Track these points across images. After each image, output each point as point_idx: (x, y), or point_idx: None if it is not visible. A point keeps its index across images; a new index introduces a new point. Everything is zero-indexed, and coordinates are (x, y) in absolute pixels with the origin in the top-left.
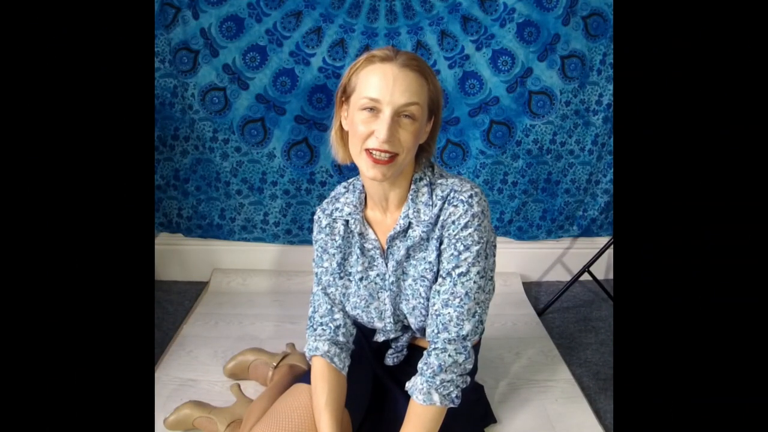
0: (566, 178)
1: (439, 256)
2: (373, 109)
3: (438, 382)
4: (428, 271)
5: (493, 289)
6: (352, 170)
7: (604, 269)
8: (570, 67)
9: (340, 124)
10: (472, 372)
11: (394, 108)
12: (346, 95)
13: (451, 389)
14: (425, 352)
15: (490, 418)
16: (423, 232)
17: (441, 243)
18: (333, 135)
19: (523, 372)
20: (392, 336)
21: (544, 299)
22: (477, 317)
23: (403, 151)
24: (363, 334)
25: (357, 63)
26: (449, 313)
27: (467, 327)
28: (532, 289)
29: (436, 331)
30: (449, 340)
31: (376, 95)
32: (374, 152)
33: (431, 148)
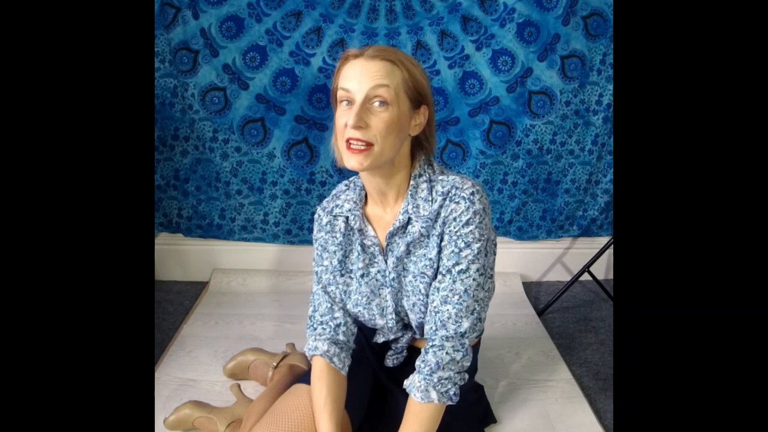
0: (566, 178)
1: (439, 252)
2: (350, 102)
3: (436, 380)
4: (428, 267)
5: (493, 289)
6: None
7: (604, 269)
8: (570, 67)
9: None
10: (472, 372)
11: (363, 94)
12: (335, 99)
13: (449, 387)
14: (423, 350)
15: (490, 418)
16: (422, 227)
17: (442, 239)
18: (334, 140)
19: (523, 372)
20: (392, 336)
21: (544, 299)
22: (475, 315)
23: (378, 140)
24: (363, 334)
25: (337, 68)
26: (448, 310)
27: (465, 324)
28: (532, 289)
29: (434, 328)
30: (447, 337)
31: (348, 86)
32: (351, 142)
33: (430, 145)
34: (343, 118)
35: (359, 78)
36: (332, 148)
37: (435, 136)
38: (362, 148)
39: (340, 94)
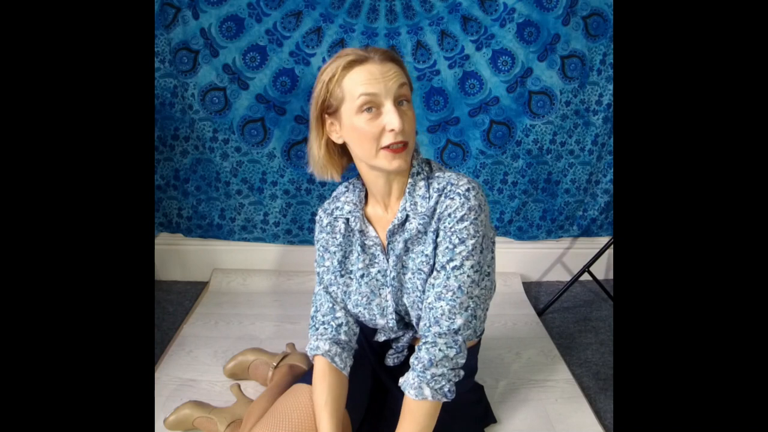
0: (566, 178)
1: (435, 248)
2: (371, 109)
3: (429, 377)
4: (425, 264)
5: (493, 288)
6: (351, 170)
7: (604, 269)
8: (570, 67)
9: (327, 142)
10: (472, 372)
11: (392, 97)
12: (333, 108)
13: (443, 383)
14: (416, 347)
15: (490, 418)
16: (420, 224)
17: (437, 236)
18: (322, 156)
19: (523, 372)
20: (393, 336)
21: (544, 299)
22: (470, 312)
23: (411, 137)
24: (364, 334)
25: (333, 75)
26: (441, 306)
27: (459, 321)
28: (532, 289)
29: (427, 324)
30: (440, 333)
31: (374, 90)
32: (393, 144)
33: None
34: (372, 125)
35: (384, 80)
36: (315, 168)
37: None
38: (401, 146)
39: (362, 100)
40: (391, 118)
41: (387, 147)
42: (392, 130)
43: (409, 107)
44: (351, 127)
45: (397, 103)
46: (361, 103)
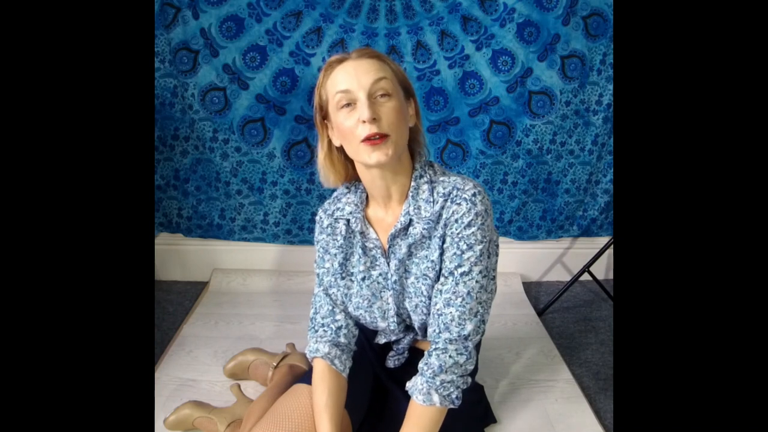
0: (566, 178)
1: (441, 254)
2: (350, 104)
3: (438, 383)
4: (430, 269)
5: (495, 290)
6: None
7: (604, 269)
8: (570, 67)
9: (328, 146)
10: (473, 372)
11: (365, 90)
12: (324, 112)
13: (452, 390)
14: (426, 353)
15: (490, 418)
16: (424, 229)
17: (444, 241)
18: (322, 160)
19: (523, 372)
20: (394, 338)
21: (544, 299)
22: (479, 317)
23: (393, 130)
24: (365, 335)
25: (319, 82)
26: (451, 312)
27: (469, 327)
28: (532, 289)
29: (437, 331)
30: (450, 340)
31: (345, 87)
32: (369, 137)
33: (423, 138)
34: (350, 119)
35: (357, 76)
36: (320, 172)
37: (421, 125)
38: (380, 138)
39: (338, 98)
40: (361, 110)
41: (365, 140)
42: (364, 121)
43: (391, 100)
44: (336, 126)
45: (374, 96)
46: (338, 100)
